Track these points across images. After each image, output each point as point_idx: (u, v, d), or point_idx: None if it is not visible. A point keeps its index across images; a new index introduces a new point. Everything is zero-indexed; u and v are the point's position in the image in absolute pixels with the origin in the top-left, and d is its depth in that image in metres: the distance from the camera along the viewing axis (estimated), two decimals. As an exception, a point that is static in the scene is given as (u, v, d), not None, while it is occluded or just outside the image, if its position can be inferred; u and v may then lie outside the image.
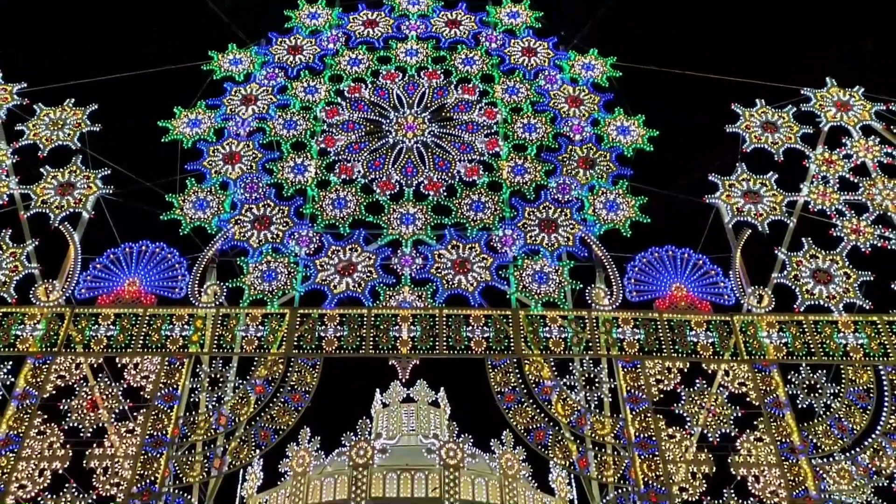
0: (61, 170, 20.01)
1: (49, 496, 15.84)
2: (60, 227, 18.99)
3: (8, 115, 21.05)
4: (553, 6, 24.82)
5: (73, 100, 21.41)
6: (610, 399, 18.39)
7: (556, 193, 19.97)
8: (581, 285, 18.58)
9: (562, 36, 23.94)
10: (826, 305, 18.45)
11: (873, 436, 17.01)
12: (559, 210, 19.63)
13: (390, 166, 20.56)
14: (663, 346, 17.72)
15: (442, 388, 24.83)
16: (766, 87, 22.37)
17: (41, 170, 20.00)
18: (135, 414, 16.93)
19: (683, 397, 17.31)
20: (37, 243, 18.83)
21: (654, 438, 16.72)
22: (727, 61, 23.85)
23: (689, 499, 16.14)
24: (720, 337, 17.87)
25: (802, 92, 22.25)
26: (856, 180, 20.42)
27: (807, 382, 17.53)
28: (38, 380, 17.07)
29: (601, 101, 22.18)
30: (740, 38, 30.21)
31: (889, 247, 19.32)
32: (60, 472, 16.20)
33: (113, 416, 16.80)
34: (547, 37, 23.96)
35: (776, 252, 19.21)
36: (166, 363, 17.31)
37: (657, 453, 16.54)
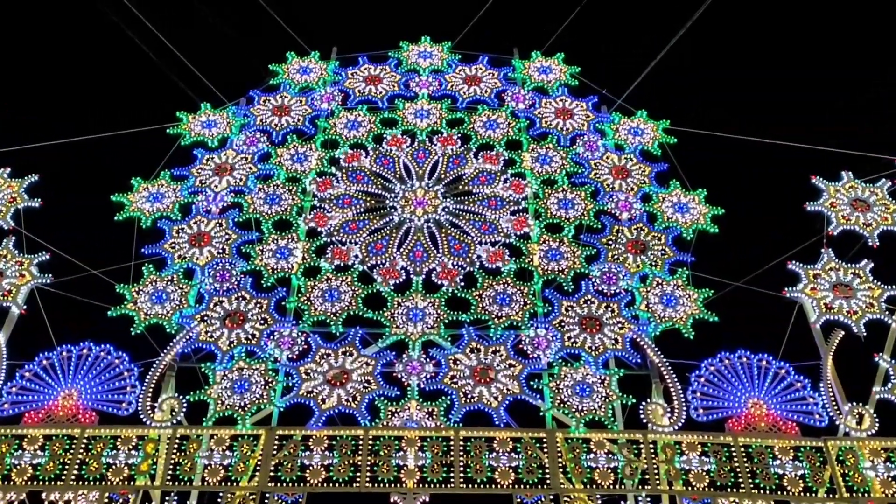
0: (-12, 254, 19.68)
1: None
2: (-18, 325, 18.46)
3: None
4: (593, 60, 24.72)
5: (7, 169, 21.13)
6: (675, 549, 17.36)
7: (600, 284, 19.45)
8: (634, 400, 17.77)
9: (604, 95, 23.89)
10: (944, 428, 17.56)
11: None
12: (604, 305, 19.01)
13: (395, 250, 20.16)
14: (740, 480, 16.64)
15: (458, 534, 23.51)
16: (852, 157, 21.99)
17: (-36, 255, 19.63)
18: (62, 568, 15.97)
19: (769, 547, 16.26)
20: (-49, 346, 18.21)
21: None
22: (805, 126, 23.48)
23: None
24: (812, 468, 16.82)
25: (898, 163, 21.96)
26: (971, 272, 19.84)
27: (925, 528, 16.49)
28: (-59, 524, 16.17)
29: (653, 173, 21.94)
30: (820, 99, 29.78)
31: None
32: None
33: (34, 571, 15.85)
34: (585, 96, 23.94)
35: (877, 359, 18.37)
36: (106, 499, 16.31)
37: None
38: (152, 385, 17.57)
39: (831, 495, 16.55)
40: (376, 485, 16.42)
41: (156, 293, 18.97)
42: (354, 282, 19.42)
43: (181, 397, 17.50)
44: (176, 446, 16.73)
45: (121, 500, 16.26)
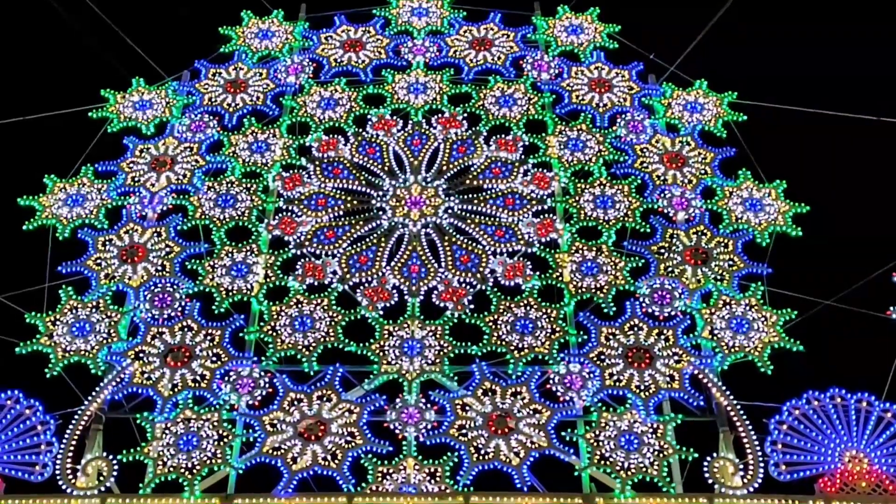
0: None
1: None
2: None
3: None
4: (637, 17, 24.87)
5: None
6: None
7: (650, 305, 19.51)
8: (696, 455, 17.69)
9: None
10: None
11: None
12: (656, 332, 19.02)
13: (384, 264, 20.23)
14: (836, 557, 16.83)
15: None
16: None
17: None
18: None
19: None
20: None
21: None
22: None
23: None
24: (929, 541, 16.98)
25: None
26: None
27: None
28: None
29: (717, 160, 22.06)
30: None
31: None
32: None
33: None
34: (627, 62, 24.11)
35: None
36: (16, 591, 16.60)
37: None
38: (73, 442, 17.60)
39: (956, 576, 16.70)
40: (364, 568, 16.53)
41: (77, 323, 19.03)
42: (332, 306, 19.46)
43: (111, 457, 17.48)
44: (105, 520, 16.83)
45: (34, 592, 16.43)
